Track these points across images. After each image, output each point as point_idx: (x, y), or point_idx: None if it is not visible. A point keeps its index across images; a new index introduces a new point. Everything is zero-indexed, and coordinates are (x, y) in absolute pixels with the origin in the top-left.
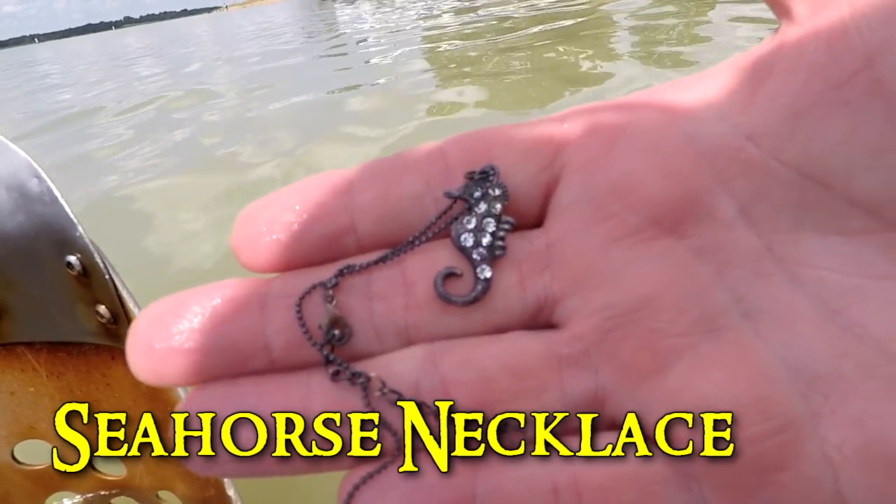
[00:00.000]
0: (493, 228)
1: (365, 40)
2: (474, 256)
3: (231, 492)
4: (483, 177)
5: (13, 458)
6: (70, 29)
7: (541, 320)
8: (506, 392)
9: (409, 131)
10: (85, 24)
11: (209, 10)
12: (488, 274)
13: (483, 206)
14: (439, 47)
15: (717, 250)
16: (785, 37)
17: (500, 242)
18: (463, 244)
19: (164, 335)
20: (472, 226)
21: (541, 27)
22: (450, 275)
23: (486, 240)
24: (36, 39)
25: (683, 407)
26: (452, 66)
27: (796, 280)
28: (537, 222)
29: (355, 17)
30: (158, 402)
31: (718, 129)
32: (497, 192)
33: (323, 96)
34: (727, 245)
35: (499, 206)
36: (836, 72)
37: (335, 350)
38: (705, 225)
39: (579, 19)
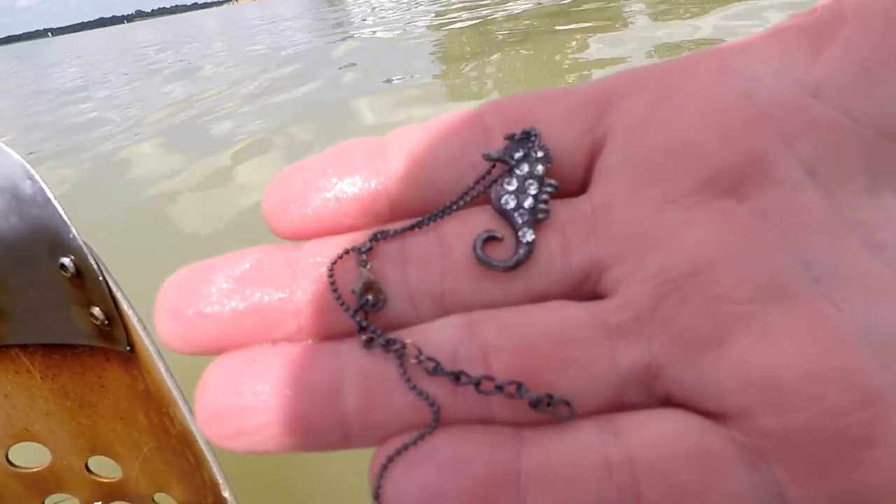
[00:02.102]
0: (536, 191)
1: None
2: (516, 219)
3: (227, 493)
4: (524, 137)
5: (7, 460)
6: (83, 23)
7: (586, 290)
8: (549, 361)
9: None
10: (97, 17)
11: (219, 3)
12: (531, 237)
13: (525, 168)
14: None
15: (782, 213)
16: None
17: (543, 205)
18: (504, 206)
19: (192, 300)
20: (513, 187)
21: None
22: (490, 238)
23: (528, 202)
24: (49, 33)
25: (752, 379)
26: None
27: (873, 244)
28: (582, 189)
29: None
30: (153, 403)
31: (780, 86)
32: (539, 153)
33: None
34: (793, 208)
35: (541, 167)
36: None
37: (368, 317)
38: (768, 187)
39: None
